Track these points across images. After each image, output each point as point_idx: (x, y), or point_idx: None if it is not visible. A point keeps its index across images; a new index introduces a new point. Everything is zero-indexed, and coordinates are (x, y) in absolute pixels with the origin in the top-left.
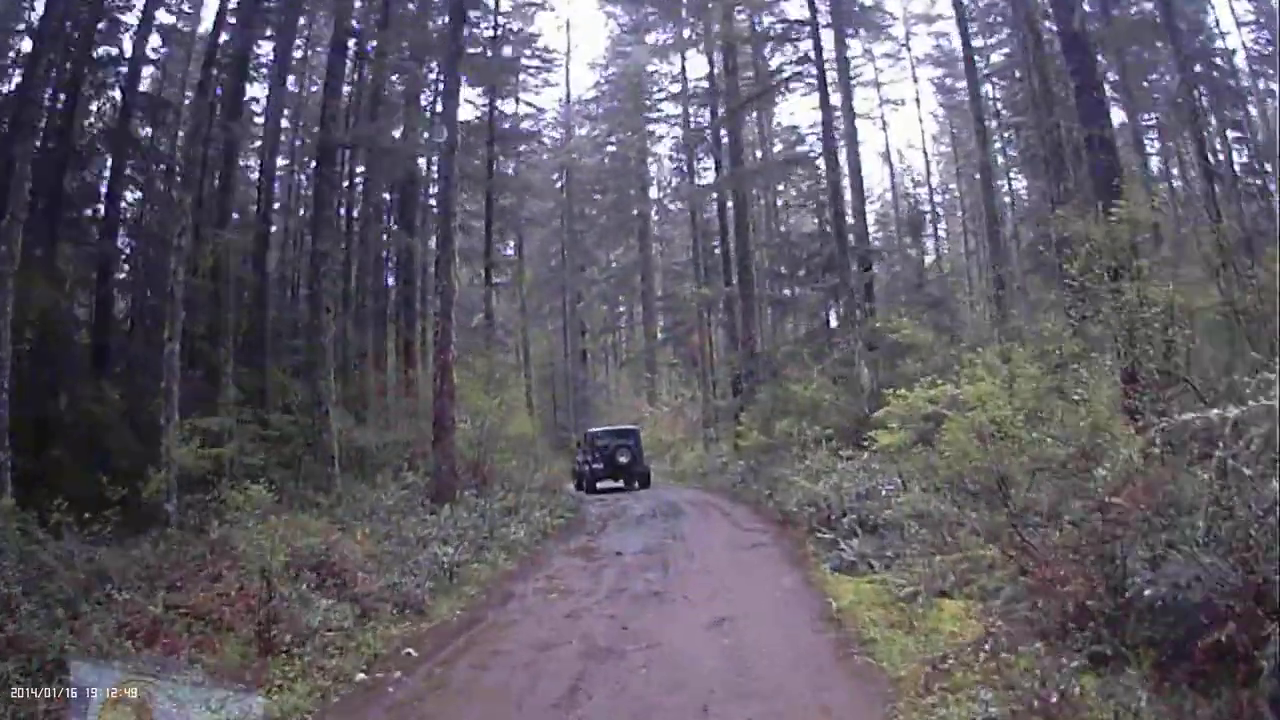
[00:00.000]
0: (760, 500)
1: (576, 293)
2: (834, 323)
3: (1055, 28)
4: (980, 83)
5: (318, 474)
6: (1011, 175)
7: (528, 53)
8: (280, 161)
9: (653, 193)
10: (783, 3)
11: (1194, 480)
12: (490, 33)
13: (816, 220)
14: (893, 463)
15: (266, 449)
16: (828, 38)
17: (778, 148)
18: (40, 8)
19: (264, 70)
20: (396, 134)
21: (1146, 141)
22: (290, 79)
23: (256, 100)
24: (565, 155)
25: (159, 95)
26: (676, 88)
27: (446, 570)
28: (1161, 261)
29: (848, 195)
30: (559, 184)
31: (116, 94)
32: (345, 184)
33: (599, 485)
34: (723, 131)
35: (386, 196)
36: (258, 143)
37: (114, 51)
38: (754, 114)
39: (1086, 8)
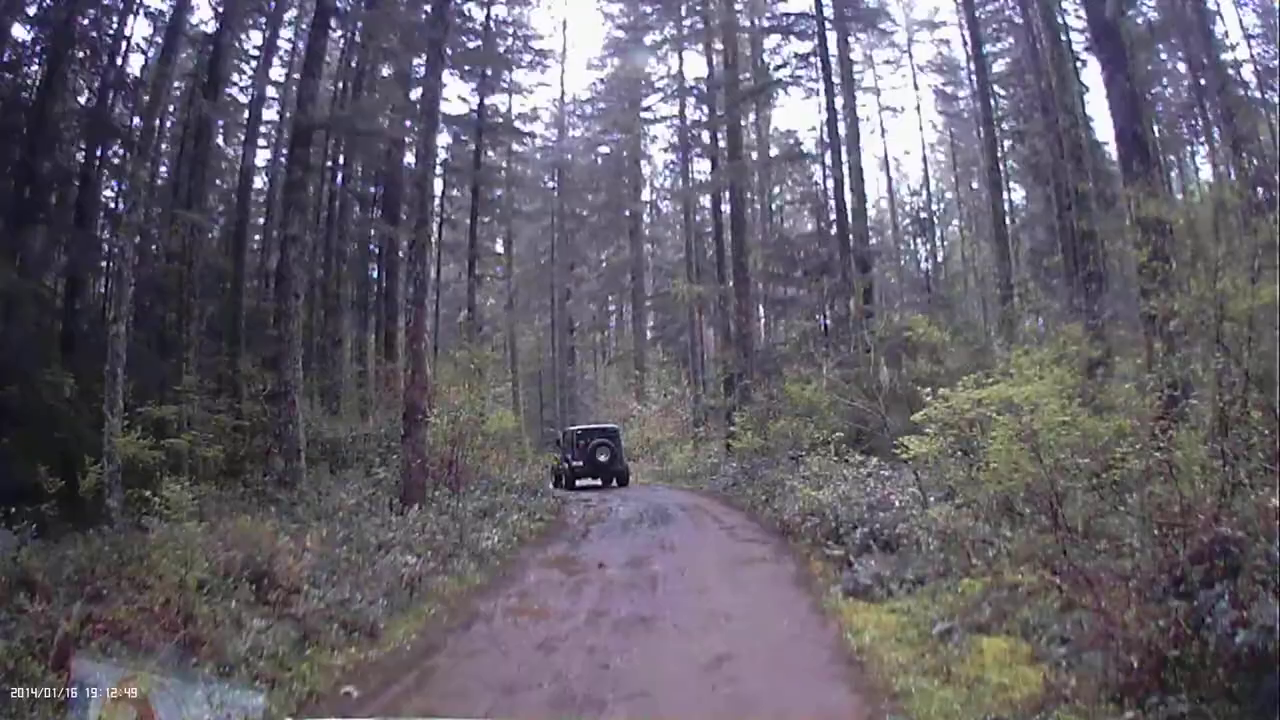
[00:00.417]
0: (756, 506)
1: (566, 290)
2: (831, 324)
3: (1083, 19)
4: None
5: (284, 468)
6: (1012, 184)
7: (519, 44)
8: (267, 155)
9: (646, 194)
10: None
11: None
12: (482, 19)
13: (814, 221)
14: (910, 471)
15: (235, 440)
16: (831, 38)
17: (774, 152)
18: None
19: (251, 59)
20: (386, 124)
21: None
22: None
23: (239, 86)
24: (558, 154)
25: (140, 78)
26: (673, 86)
27: (406, 584)
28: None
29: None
30: (551, 183)
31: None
32: (329, 170)
33: (578, 483)
34: (720, 129)
35: (373, 190)
36: (243, 135)
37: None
38: (751, 117)
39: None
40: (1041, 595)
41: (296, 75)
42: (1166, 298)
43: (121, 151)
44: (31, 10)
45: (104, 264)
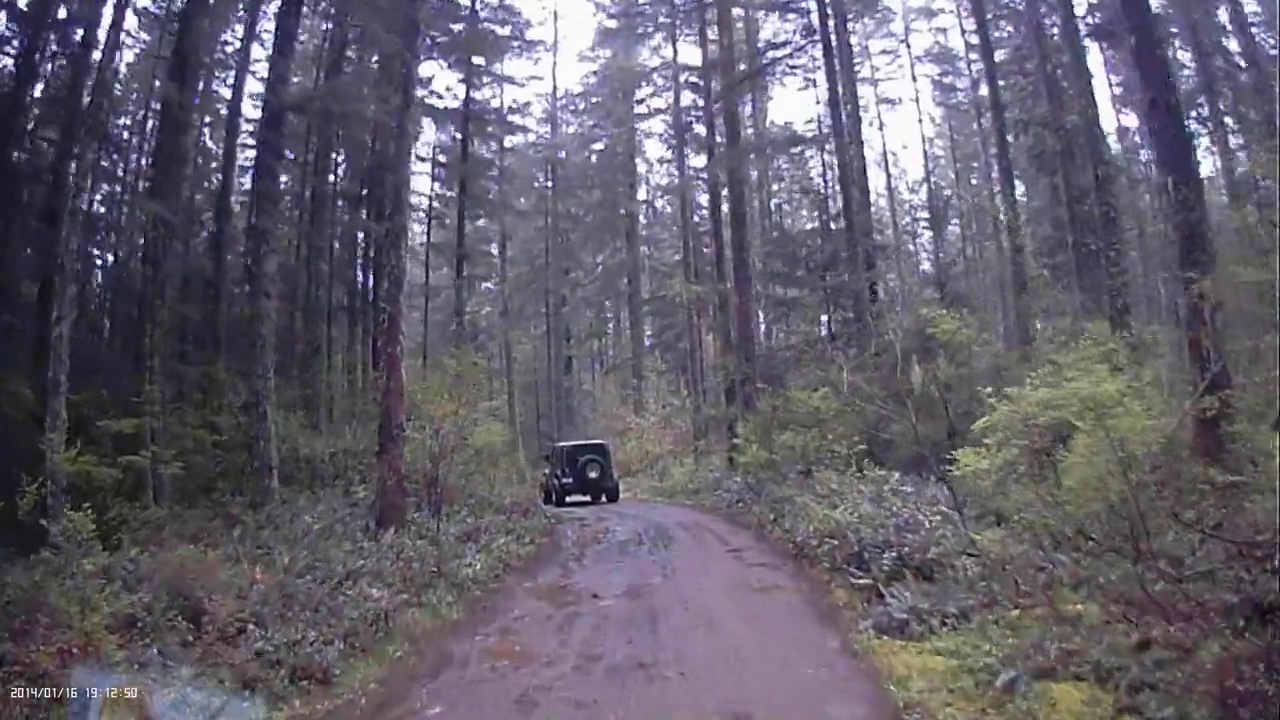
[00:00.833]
0: (764, 525)
1: (561, 296)
2: (838, 325)
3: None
4: (980, 79)
5: (255, 487)
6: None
7: (507, 31)
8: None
9: (641, 194)
10: None
11: None
12: (468, 3)
13: (815, 217)
14: (943, 487)
15: (216, 457)
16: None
17: (769, 149)
18: None
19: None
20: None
21: None
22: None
23: (221, 79)
24: (551, 150)
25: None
26: (667, 75)
27: (372, 620)
28: None
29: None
30: (544, 181)
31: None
32: (310, 165)
33: (568, 499)
34: (717, 117)
35: (361, 190)
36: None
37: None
38: (747, 109)
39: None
40: (1109, 630)
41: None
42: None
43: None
44: None
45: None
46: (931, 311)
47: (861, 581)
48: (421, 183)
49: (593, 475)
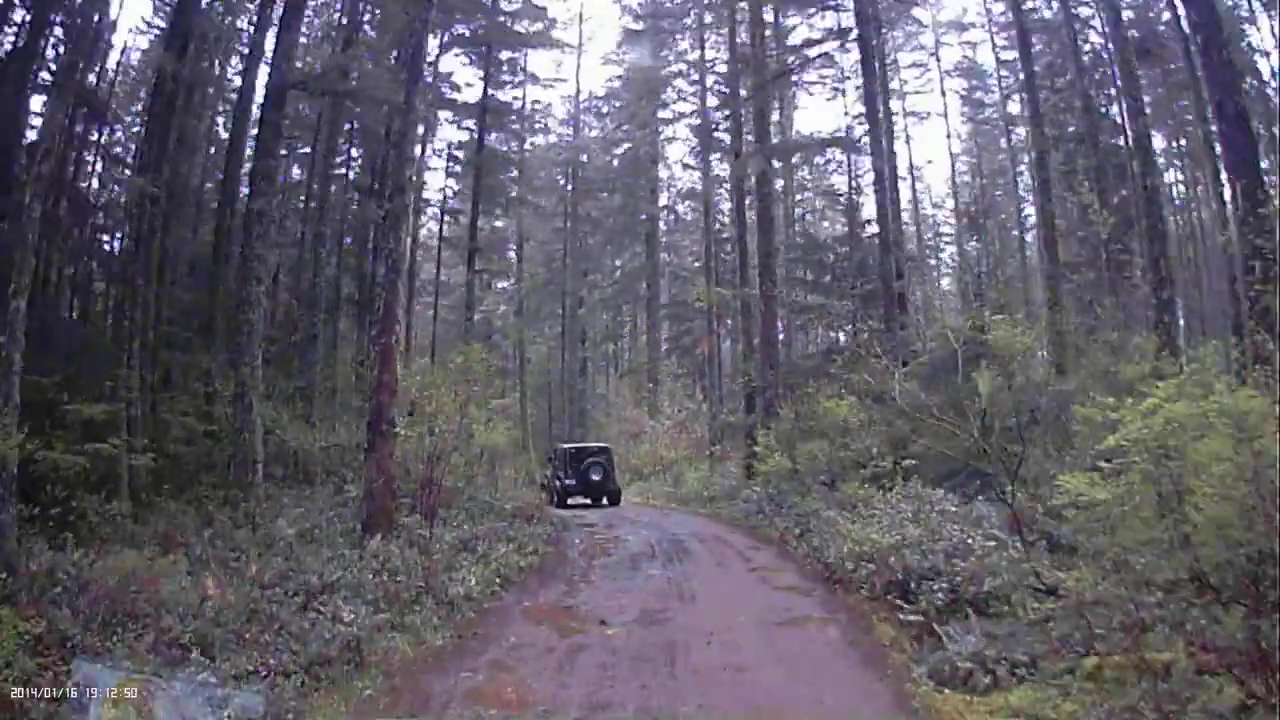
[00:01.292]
0: (787, 541)
1: (578, 298)
2: (861, 335)
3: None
4: (1009, 94)
5: (242, 482)
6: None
7: (528, 26)
8: None
9: (663, 200)
10: None
11: None
12: None
13: (844, 223)
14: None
15: (201, 446)
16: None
17: (795, 159)
18: None
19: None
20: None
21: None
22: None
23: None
24: (572, 152)
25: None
26: (693, 76)
27: (342, 646)
28: None
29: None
30: (565, 184)
31: None
32: (315, 151)
33: (570, 501)
34: (744, 113)
35: (373, 184)
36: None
37: None
38: (775, 115)
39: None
40: (1201, 684)
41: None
42: None
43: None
44: None
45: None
46: (979, 318)
47: (912, 617)
48: (436, 179)
49: (595, 478)
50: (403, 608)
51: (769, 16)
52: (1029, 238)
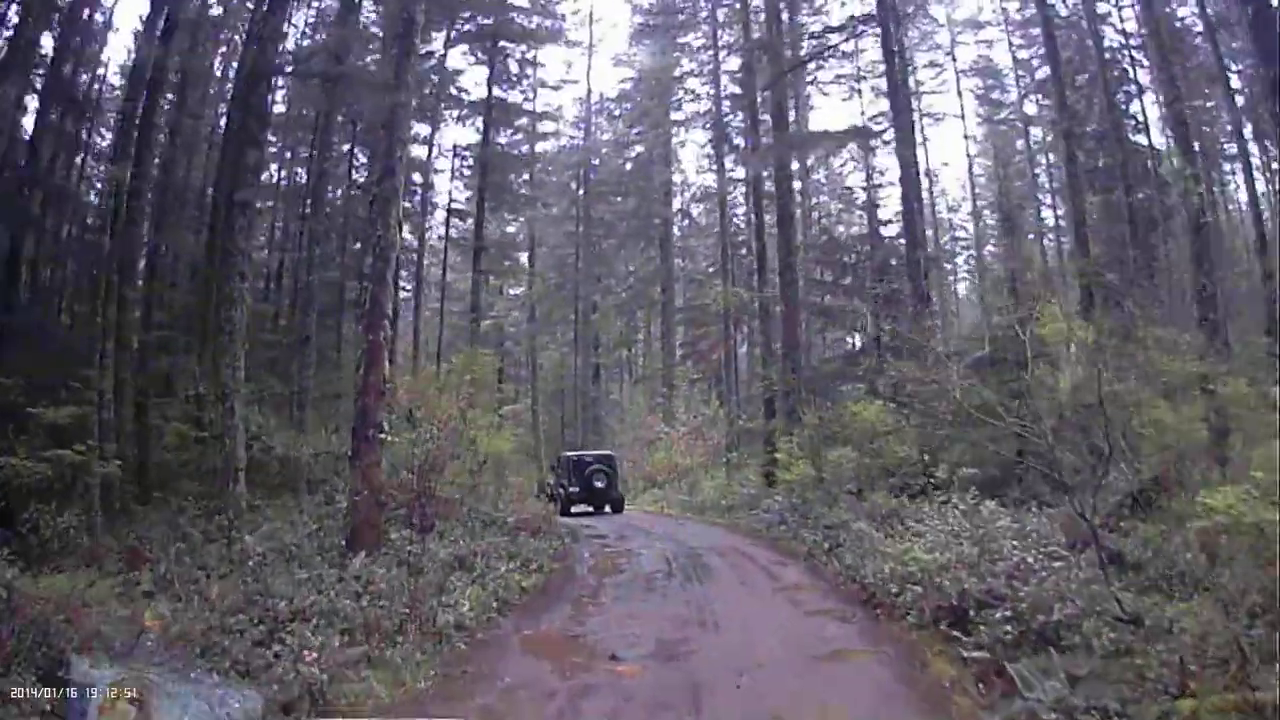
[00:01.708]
0: (817, 557)
1: (591, 303)
2: (886, 335)
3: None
4: (1027, 94)
5: (223, 492)
6: (1055, 197)
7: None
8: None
9: (676, 203)
10: None
11: None
12: None
13: (860, 225)
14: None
15: (191, 452)
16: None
17: (810, 161)
18: None
19: None
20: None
21: None
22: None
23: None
24: (584, 155)
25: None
26: (709, 71)
27: (303, 690)
28: None
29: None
30: (576, 188)
31: None
32: (311, 148)
33: (573, 509)
34: (761, 109)
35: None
36: None
37: None
38: (791, 112)
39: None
40: None
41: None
42: None
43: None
44: None
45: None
46: (1028, 307)
47: (975, 654)
48: (443, 183)
49: (599, 485)
50: (383, 639)
51: (784, 9)
52: (1047, 240)
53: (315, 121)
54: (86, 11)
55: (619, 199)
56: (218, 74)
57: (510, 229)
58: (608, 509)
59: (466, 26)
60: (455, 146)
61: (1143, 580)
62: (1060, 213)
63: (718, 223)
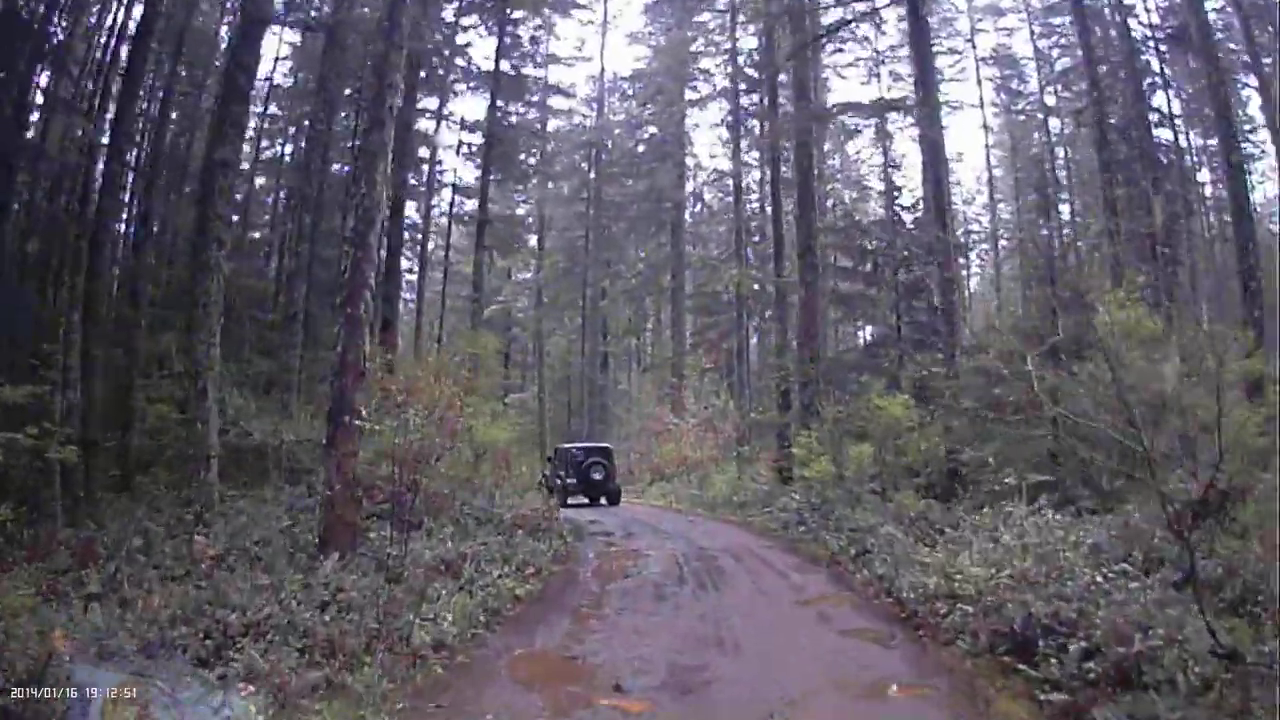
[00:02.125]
0: (843, 564)
1: (600, 288)
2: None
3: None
4: (1048, 84)
5: (194, 481)
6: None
7: None
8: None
9: (689, 187)
10: None
11: None
12: None
13: (876, 213)
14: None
15: (174, 436)
16: None
17: (826, 146)
18: None
19: None
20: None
21: None
22: None
23: None
24: (595, 133)
25: None
26: (725, 46)
27: None
28: None
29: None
30: (587, 169)
31: None
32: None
33: (570, 501)
34: (780, 85)
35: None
36: None
37: None
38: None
39: None
40: None
41: None
42: None
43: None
44: None
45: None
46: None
47: (1054, 696)
48: (449, 159)
49: (596, 477)
50: (347, 660)
51: None
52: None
53: (318, 87)
54: None
55: (630, 181)
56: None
57: (520, 211)
58: (604, 501)
59: None
60: (462, 119)
61: (1218, 602)
62: (1077, 206)
63: (731, 208)
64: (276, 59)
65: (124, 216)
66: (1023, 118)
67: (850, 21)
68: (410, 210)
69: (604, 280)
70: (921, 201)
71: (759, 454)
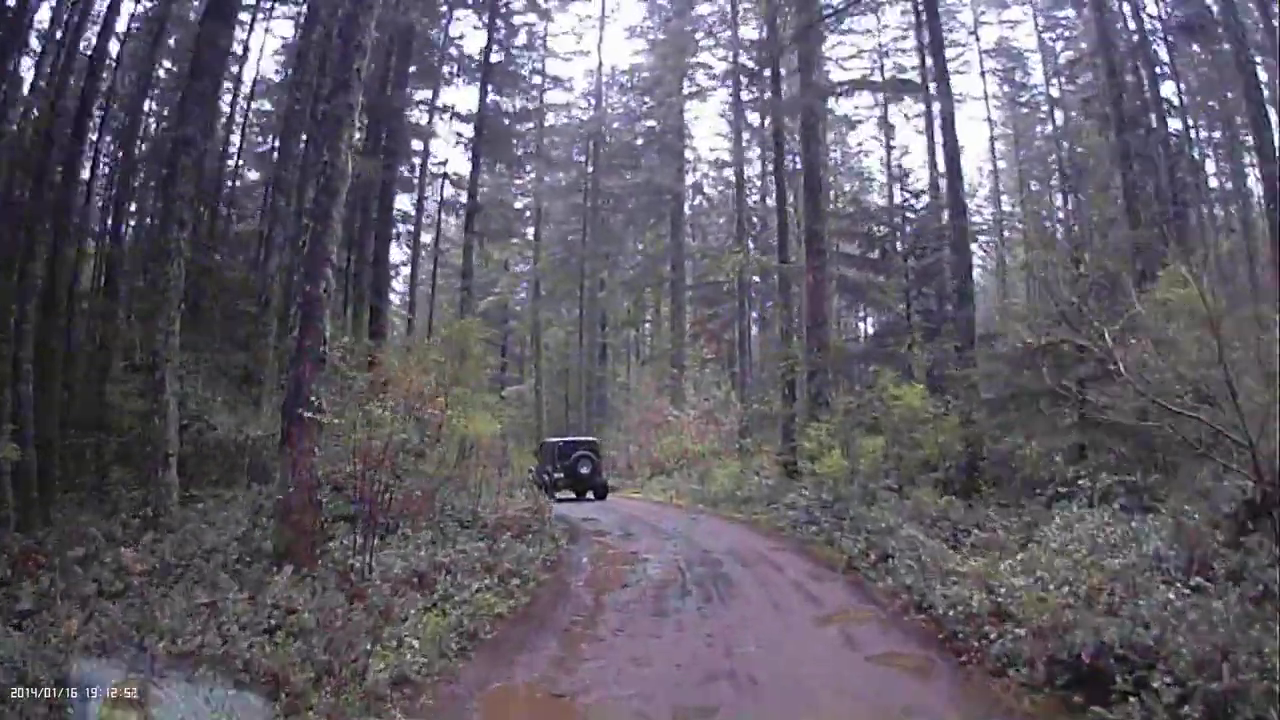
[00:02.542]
0: (861, 570)
1: (598, 280)
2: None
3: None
4: (1055, 75)
5: (151, 481)
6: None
7: None
8: None
9: (689, 179)
10: None
11: None
12: None
13: (883, 199)
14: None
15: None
16: None
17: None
18: None
19: None
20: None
21: None
22: None
23: None
24: (593, 124)
25: None
26: (726, 34)
27: None
28: None
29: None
30: (583, 160)
31: None
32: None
33: (558, 495)
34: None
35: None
36: None
37: None
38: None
39: None
40: None
41: None
42: None
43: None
44: None
45: None
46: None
47: None
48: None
49: (583, 471)
50: (292, 700)
51: None
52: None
53: (297, 64)
54: None
55: (629, 174)
56: None
57: (518, 205)
58: (590, 495)
59: None
60: (453, 107)
61: None
62: (1082, 199)
63: (731, 200)
64: (262, 52)
65: (101, 205)
66: (1026, 110)
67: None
68: (407, 203)
69: (602, 271)
70: (929, 187)
71: (761, 447)
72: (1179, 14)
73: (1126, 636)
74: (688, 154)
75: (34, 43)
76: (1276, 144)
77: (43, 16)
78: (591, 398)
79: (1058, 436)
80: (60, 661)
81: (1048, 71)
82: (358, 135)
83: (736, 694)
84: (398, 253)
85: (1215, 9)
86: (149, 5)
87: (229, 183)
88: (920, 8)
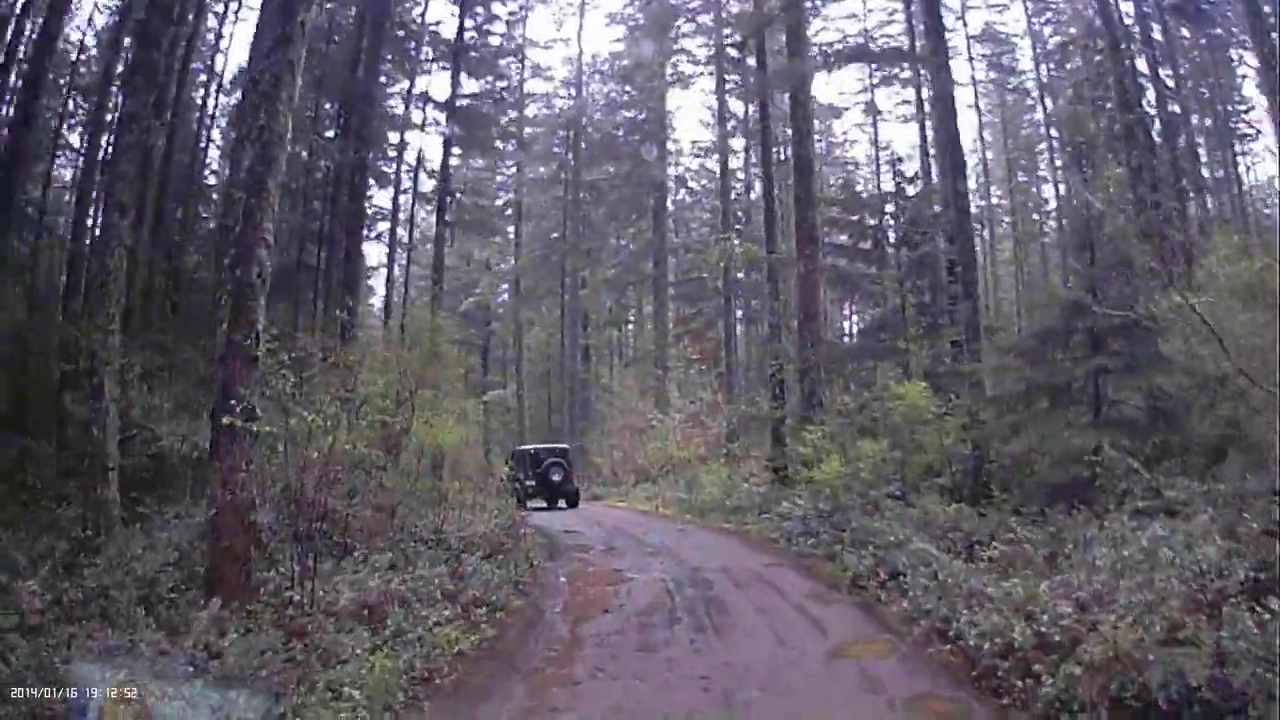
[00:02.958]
0: (869, 589)
1: (580, 278)
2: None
3: None
4: (1044, 59)
5: (90, 498)
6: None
7: None
8: None
9: (672, 171)
10: None
11: None
12: None
13: (887, 177)
14: None
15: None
16: None
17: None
18: None
19: None
20: None
21: None
22: None
23: None
24: (573, 114)
25: None
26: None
27: None
28: None
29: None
30: (564, 152)
31: None
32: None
33: (530, 504)
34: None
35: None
36: None
37: None
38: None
39: None
40: None
41: None
42: None
43: None
44: None
45: None
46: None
47: None
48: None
49: (555, 478)
50: None
51: None
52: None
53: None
54: None
55: (611, 167)
56: None
57: (499, 202)
58: (562, 504)
59: None
60: (426, 94)
61: None
62: (1076, 183)
63: (715, 193)
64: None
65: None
66: (1014, 96)
67: None
68: (385, 200)
69: (584, 269)
70: (921, 173)
71: (750, 451)
72: None
73: (1209, 674)
74: (670, 145)
75: None
76: None
77: None
78: (574, 401)
79: (1074, 435)
80: None
81: (1037, 57)
82: (329, 130)
83: None
84: (375, 251)
85: None
86: None
87: (200, 179)
88: None
